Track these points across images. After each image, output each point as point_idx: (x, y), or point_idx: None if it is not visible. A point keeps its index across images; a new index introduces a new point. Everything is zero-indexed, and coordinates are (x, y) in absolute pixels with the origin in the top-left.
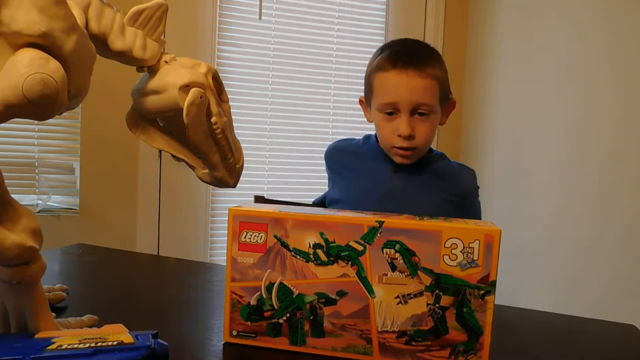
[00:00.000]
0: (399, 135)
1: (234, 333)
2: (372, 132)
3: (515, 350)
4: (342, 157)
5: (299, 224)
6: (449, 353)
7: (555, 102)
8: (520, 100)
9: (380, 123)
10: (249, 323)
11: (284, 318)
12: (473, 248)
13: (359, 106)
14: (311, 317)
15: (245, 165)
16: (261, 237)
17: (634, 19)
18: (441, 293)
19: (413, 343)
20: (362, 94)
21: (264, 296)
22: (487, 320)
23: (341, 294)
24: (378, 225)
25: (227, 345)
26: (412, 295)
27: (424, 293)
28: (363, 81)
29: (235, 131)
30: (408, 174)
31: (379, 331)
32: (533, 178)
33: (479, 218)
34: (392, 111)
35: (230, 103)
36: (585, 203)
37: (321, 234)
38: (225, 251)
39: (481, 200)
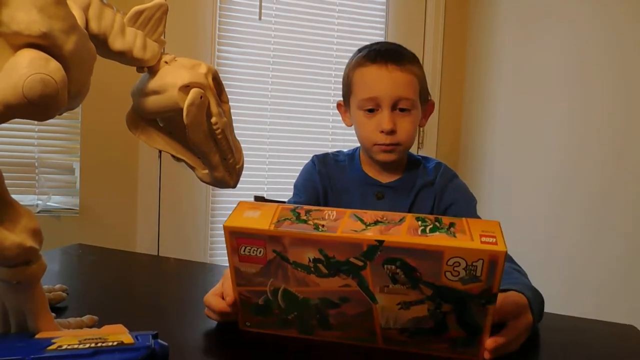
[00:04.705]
0: (381, 131)
1: (247, 324)
2: (356, 144)
3: (515, 350)
4: (331, 171)
5: (296, 242)
6: (449, 345)
7: (555, 102)
8: (520, 100)
9: (361, 121)
10: (259, 317)
11: (291, 316)
12: (476, 266)
13: None
14: (317, 316)
15: (245, 165)
16: (260, 251)
17: (632, 24)
18: (442, 301)
19: (415, 337)
20: None
21: (270, 298)
22: (487, 323)
23: (344, 300)
24: (378, 244)
25: (243, 331)
26: (413, 303)
27: (425, 301)
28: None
29: (235, 131)
30: (392, 199)
31: (382, 327)
32: (532, 179)
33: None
34: (373, 107)
35: (230, 103)
36: (584, 203)
37: (320, 250)
38: (226, 251)
39: (480, 200)
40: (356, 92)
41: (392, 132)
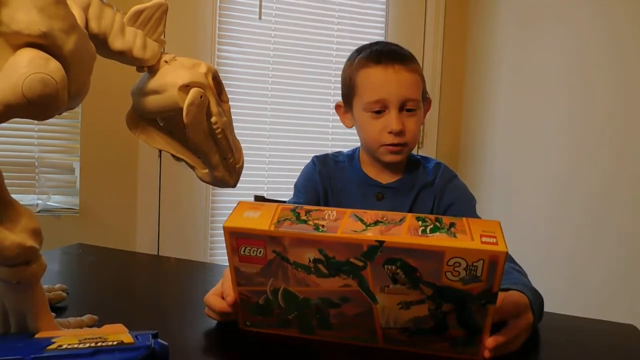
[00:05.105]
0: (390, 132)
1: (248, 324)
2: (355, 144)
3: (515, 349)
4: (331, 172)
5: (296, 242)
6: (449, 344)
7: (555, 102)
8: (520, 100)
9: (367, 122)
10: (259, 317)
11: (291, 316)
12: (477, 267)
13: None
14: (317, 316)
15: (245, 165)
16: (260, 251)
17: (632, 24)
18: (442, 301)
19: (415, 336)
20: None
21: (270, 298)
22: (487, 323)
23: (345, 300)
24: (378, 244)
25: (243, 331)
26: (414, 303)
27: (426, 301)
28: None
29: (235, 131)
30: (392, 199)
31: (382, 327)
32: (532, 179)
33: (469, 197)
34: (380, 109)
35: (230, 103)
36: (584, 203)
37: (320, 250)
38: (226, 251)
39: (480, 200)
40: (361, 94)
41: (400, 133)
